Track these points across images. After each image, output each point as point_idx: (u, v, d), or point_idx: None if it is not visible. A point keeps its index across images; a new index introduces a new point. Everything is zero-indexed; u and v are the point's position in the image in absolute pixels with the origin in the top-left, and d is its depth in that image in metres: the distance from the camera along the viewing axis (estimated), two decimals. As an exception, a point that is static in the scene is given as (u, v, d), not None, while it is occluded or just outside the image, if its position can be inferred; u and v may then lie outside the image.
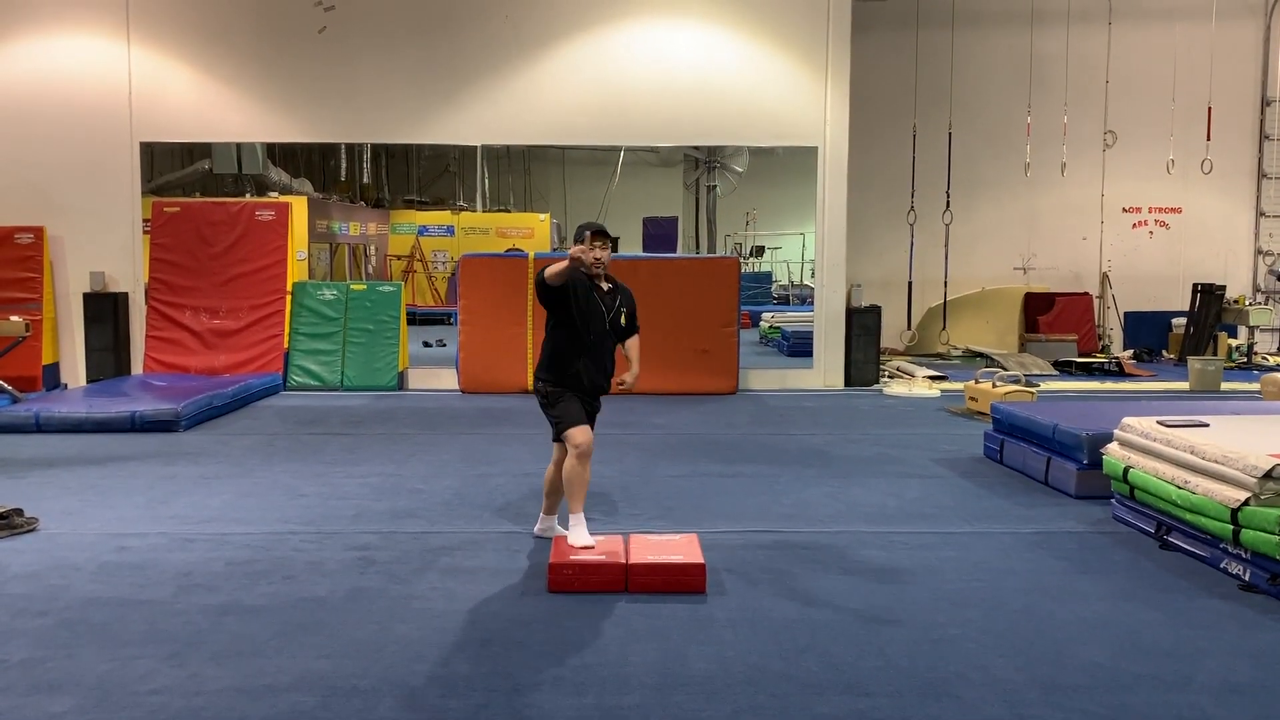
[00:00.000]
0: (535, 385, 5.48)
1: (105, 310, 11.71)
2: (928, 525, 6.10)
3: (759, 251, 24.54)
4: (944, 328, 15.13)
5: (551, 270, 5.07)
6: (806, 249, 23.16)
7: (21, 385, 10.66)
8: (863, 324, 12.24)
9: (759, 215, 23.89)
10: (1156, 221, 15.84)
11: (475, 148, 12.85)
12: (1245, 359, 14.42)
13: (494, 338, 11.60)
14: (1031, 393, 9.82)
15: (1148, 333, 15.44)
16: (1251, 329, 14.75)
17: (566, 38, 11.92)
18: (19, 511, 5.94)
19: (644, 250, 21.17)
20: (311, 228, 18.15)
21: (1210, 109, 14.18)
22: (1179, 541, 5.47)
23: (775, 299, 23.19)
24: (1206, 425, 5.81)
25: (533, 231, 21.58)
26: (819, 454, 8.22)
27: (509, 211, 23.79)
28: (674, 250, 21.49)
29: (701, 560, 4.92)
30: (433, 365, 12.78)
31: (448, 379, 11.91)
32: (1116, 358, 13.99)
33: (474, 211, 22.15)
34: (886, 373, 12.90)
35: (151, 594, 4.84)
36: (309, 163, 21.57)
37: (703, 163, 21.15)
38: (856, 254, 12.91)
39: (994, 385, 9.88)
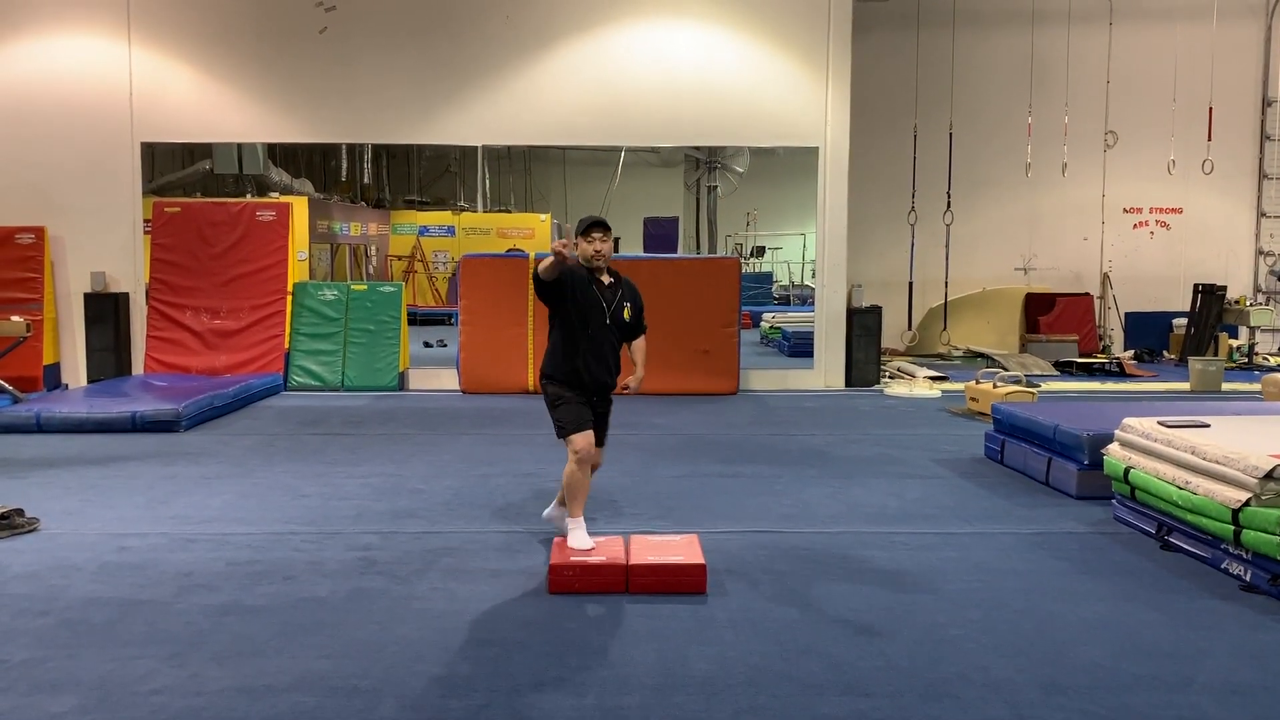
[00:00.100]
0: (540, 383, 5.45)
1: (106, 310, 11.71)
2: (928, 526, 6.10)
3: (760, 252, 24.54)
4: (945, 328, 15.13)
5: (543, 265, 5.05)
6: (807, 249, 23.18)
7: (22, 385, 10.66)
8: (863, 324, 12.24)
9: (760, 215, 23.90)
10: (1157, 222, 15.84)
11: (476, 148, 12.85)
12: (1246, 359, 14.42)
13: (495, 338, 11.61)
14: (1032, 393, 9.81)
15: (1148, 333, 15.44)
16: (1252, 329, 14.75)
17: (567, 38, 11.92)
18: (20, 511, 5.95)
19: (644, 251, 21.19)
20: (312, 228, 18.16)
21: (1211, 109, 14.18)
22: (1180, 542, 5.47)
23: (776, 299, 23.19)
24: (1207, 426, 5.81)
25: (533, 232, 21.58)
26: (820, 454, 8.22)
27: (510, 212, 23.81)
28: (674, 251, 21.51)
29: (702, 561, 4.92)
30: (433, 366, 12.78)
31: (448, 379, 11.91)
32: (1117, 358, 13.99)
33: (475, 212, 22.16)
34: (887, 373, 12.90)
35: (152, 594, 4.84)
36: (310, 163, 21.58)
37: (703, 163, 21.15)
38: (857, 254, 12.91)
39: (995, 386, 9.88)
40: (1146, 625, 4.47)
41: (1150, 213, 15.80)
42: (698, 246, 21.50)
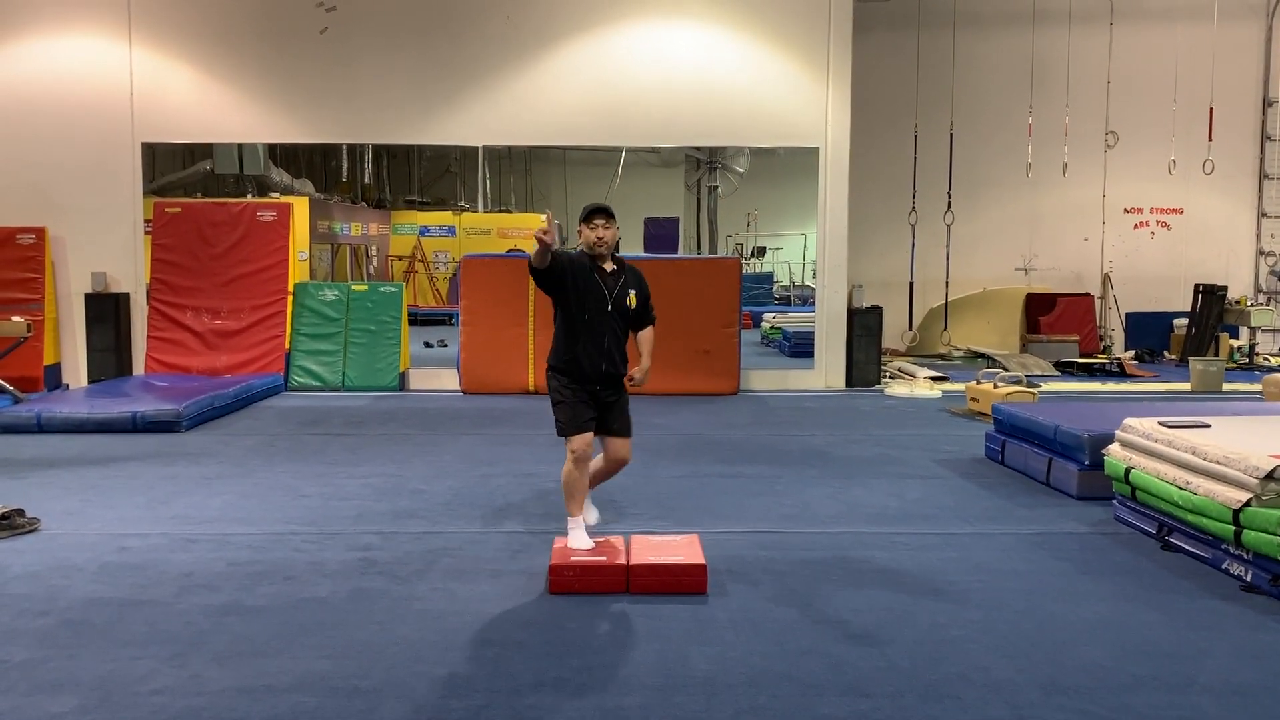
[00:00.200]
0: (546, 375, 5.38)
1: (107, 311, 11.72)
2: (929, 526, 6.10)
3: (760, 252, 24.53)
4: (945, 328, 15.12)
5: (533, 253, 5.01)
6: (808, 249, 23.16)
7: (23, 386, 10.67)
8: (864, 324, 12.24)
9: (760, 216, 23.88)
10: (1158, 222, 15.83)
11: (476, 148, 12.85)
12: (1247, 360, 14.42)
13: (495, 338, 11.61)
14: (1033, 393, 9.81)
15: (1149, 333, 15.44)
16: (1253, 330, 14.75)
17: (567, 38, 11.93)
18: (20, 512, 5.95)
19: (645, 251, 21.15)
20: (313, 228, 18.16)
21: (1212, 109, 14.17)
22: (1180, 542, 5.47)
23: (776, 299, 23.18)
24: (1208, 426, 5.81)
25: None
26: (820, 454, 8.21)
27: (510, 212, 23.79)
28: (675, 251, 21.49)
29: (703, 561, 4.92)
30: (434, 366, 12.79)
31: (449, 380, 11.92)
32: (1118, 358, 13.99)
33: (475, 212, 22.16)
34: (888, 373, 12.90)
35: (153, 594, 4.84)
36: (310, 163, 21.58)
37: (704, 163, 21.14)
38: (858, 254, 12.91)
39: (995, 386, 9.88)
40: (1147, 625, 4.47)
41: (1151, 213, 15.80)
42: (698, 247, 21.50)
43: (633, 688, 3.82)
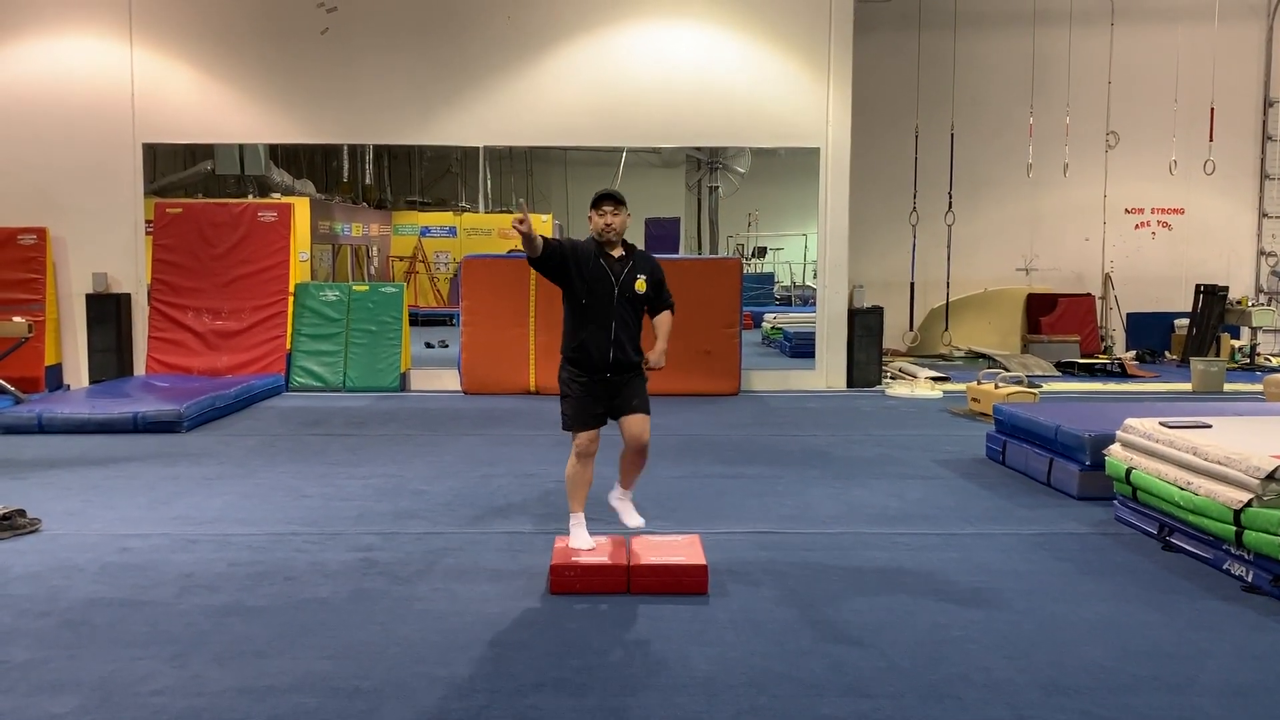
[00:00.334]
0: (559, 367, 5.30)
1: (108, 311, 11.72)
2: (930, 526, 6.10)
3: (761, 252, 24.53)
4: (946, 329, 15.12)
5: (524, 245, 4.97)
6: (809, 250, 23.15)
7: (24, 386, 10.68)
8: (865, 325, 12.24)
9: (761, 216, 23.89)
10: (1159, 222, 15.83)
11: (477, 149, 12.85)
12: (1248, 360, 14.42)
13: (496, 339, 11.61)
14: (1034, 394, 9.81)
15: (1150, 334, 15.43)
16: (1254, 330, 14.75)
17: (568, 39, 11.93)
18: (21, 512, 5.95)
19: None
20: (314, 229, 18.16)
21: (1213, 110, 14.17)
22: (1181, 543, 5.47)
23: (777, 300, 23.19)
24: (1209, 426, 5.81)
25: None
26: (821, 455, 8.21)
27: (511, 212, 23.75)
28: (676, 251, 21.48)
29: (704, 561, 4.92)
30: (435, 366, 12.79)
31: (450, 380, 11.92)
32: (1119, 359, 13.99)
33: (476, 212, 22.16)
34: (889, 374, 12.90)
35: (154, 595, 4.84)
36: (311, 164, 21.58)
37: (705, 163, 21.13)
38: (858, 255, 12.91)
39: (996, 386, 9.87)
40: (1148, 626, 4.46)
41: (1152, 213, 15.79)
42: (699, 247, 21.49)
43: (634, 688, 3.82)
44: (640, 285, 5.20)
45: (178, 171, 18.06)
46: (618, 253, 5.20)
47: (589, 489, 5.27)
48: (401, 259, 22.48)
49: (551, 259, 5.06)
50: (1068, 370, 13.60)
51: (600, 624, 4.47)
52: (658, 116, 11.98)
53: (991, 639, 4.30)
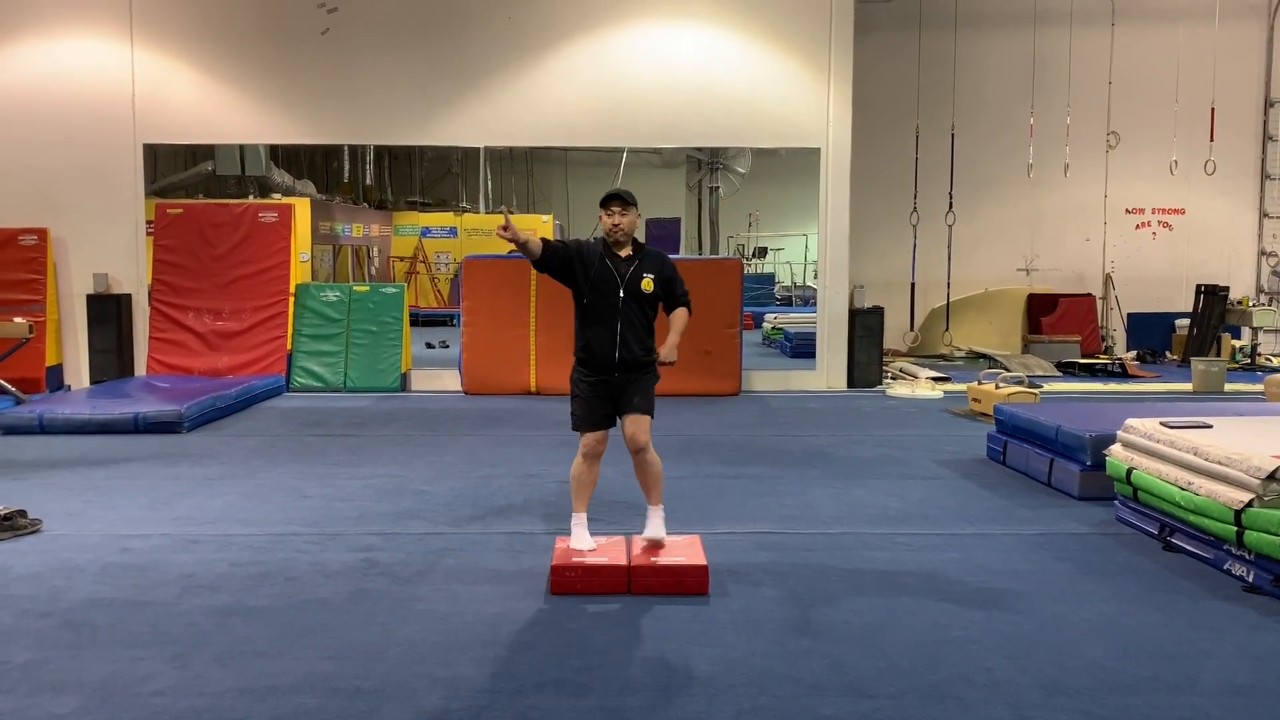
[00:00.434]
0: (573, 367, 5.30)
1: (108, 312, 11.73)
2: (930, 526, 6.10)
3: (762, 253, 24.52)
4: (947, 329, 15.12)
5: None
6: (809, 250, 23.14)
7: (25, 387, 10.69)
8: (865, 325, 12.24)
9: (761, 216, 23.87)
10: (1160, 223, 15.82)
11: (478, 149, 12.84)
12: (1249, 360, 14.42)
13: (497, 339, 11.61)
14: (1034, 394, 9.81)
15: (1151, 334, 15.43)
16: (1255, 330, 14.74)
17: (569, 39, 11.93)
18: (22, 513, 5.95)
19: (646, 251, 21.11)
20: (314, 229, 18.16)
21: (1213, 110, 14.17)
22: (1182, 543, 5.47)
23: (778, 300, 23.18)
24: (1210, 426, 5.81)
25: (535, 233, 21.46)
26: (822, 455, 8.21)
27: (512, 213, 23.78)
28: (676, 252, 21.47)
29: (704, 562, 4.93)
30: (435, 367, 12.79)
31: (450, 380, 11.92)
32: (1120, 359, 13.98)
33: (477, 213, 22.15)
34: (889, 374, 12.89)
35: (155, 595, 4.84)
36: (312, 164, 21.57)
37: (705, 164, 21.12)
38: (859, 255, 12.91)
39: (997, 386, 9.87)
40: (1149, 626, 4.46)
41: (1152, 213, 15.79)
42: (700, 247, 21.48)
43: (634, 688, 3.82)
44: (647, 284, 5.16)
45: (178, 172, 18.05)
46: (625, 252, 5.19)
47: (593, 490, 5.27)
48: (402, 259, 22.47)
49: (552, 261, 5.09)
50: (1068, 370, 13.60)
51: (601, 624, 4.47)
52: (658, 117, 11.98)
53: (992, 639, 4.30)
